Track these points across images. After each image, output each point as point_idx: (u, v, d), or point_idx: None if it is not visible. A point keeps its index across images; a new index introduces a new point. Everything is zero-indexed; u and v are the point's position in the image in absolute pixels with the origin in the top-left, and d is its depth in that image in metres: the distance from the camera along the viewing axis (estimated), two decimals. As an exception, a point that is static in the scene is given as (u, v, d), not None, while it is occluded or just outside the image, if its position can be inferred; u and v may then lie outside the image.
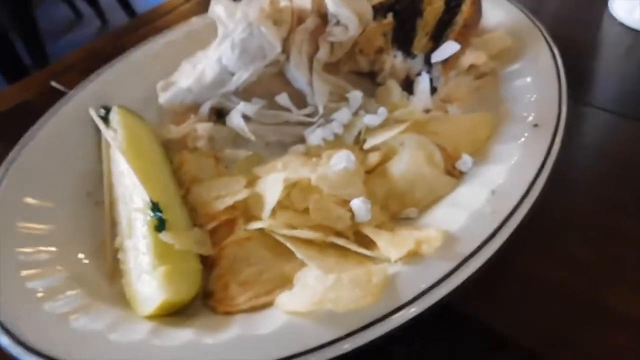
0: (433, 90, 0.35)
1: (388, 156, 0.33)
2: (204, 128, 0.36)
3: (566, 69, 0.36)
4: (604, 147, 0.37)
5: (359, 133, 0.35)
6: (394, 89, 0.36)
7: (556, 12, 0.52)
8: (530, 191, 0.29)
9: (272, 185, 0.31)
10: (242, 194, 0.32)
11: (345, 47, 0.36)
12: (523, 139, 0.32)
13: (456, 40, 0.35)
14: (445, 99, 0.36)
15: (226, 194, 0.32)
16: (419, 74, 0.36)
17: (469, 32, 0.36)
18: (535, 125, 0.32)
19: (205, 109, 0.37)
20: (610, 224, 0.31)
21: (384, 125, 0.34)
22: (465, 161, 0.32)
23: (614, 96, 0.41)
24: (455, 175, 0.32)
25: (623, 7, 0.48)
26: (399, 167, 0.32)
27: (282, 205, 0.31)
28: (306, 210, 0.31)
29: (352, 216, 0.30)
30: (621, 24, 0.48)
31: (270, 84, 0.37)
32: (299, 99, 0.37)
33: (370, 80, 0.38)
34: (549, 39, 0.38)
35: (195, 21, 0.47)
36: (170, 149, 0.37)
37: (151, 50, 0.44)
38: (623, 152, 0.36)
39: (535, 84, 0.35)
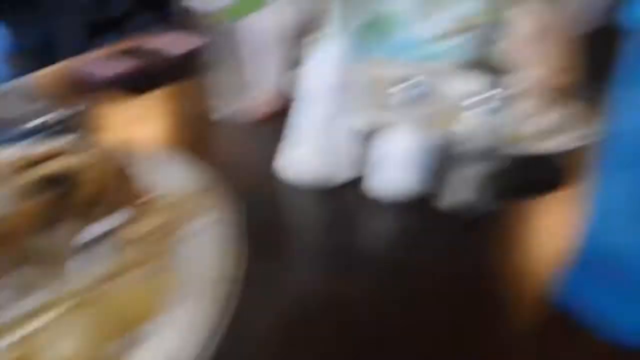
0: (94, 267, 0.35)
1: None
2: None
3: (249, 225, 0.40)
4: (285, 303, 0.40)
5: None
6: (50, 272, 0.34)
7: (242, 168, 0.59)
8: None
9: None
10: None
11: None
12: (191, 307, 0.33)
13: (110, 212, 0.36)
14: (117, 271, 0.36)
15: None
16: (74, 254, 0.35)
17: (122, 204, 0.38)
18: (205, 288, 0.34)
19: None
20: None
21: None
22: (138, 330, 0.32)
23: (294, 248, 0.46)
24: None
25: (288, 162, 0.56)
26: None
27: None
28: None
29: None
30: (291, 177, 0.56)
31: None
32: None
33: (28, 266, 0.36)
34: (225, 200, 0.42)
35: None
36: None
37: None
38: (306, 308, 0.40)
39: (207, 246, 0.38)
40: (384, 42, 0.78)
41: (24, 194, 0.36)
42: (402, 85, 0.50)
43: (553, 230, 0.48)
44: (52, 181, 0.38)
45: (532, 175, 0.56)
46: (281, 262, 0.44)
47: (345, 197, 0.54)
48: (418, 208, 0.52)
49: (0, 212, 0.34)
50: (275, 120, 0.70)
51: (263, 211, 0.50)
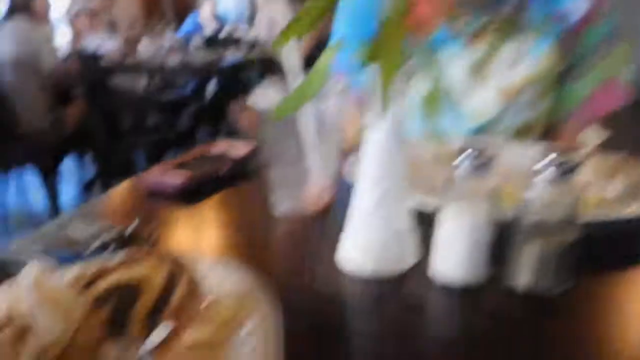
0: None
1: None
2: None
3: (308, 324, 0.38)
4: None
5: None
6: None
7: (295, 270, 0.58)
8: None
9: None
10: None
11: (57, 346, 0.35)
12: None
13: (170, 320, 0.35)
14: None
15: None
16: (139, 361, 0.35)
17: (185, 311, 0.37)
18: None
19: None
20: None
21: None
22: None
23: (353, 347, 0.43)
24: None
25: (347, 255, 0.55)
26: None
27: None
28: None
29: None
30: (350, 272, 0.54)
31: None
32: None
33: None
34: (274, 304, 0.41)
35: None
36: None
37: None
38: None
39: (257, 353, 0.36)
40: (437, 118, 0.78)
41: (91, 306, 0.36)
42: (462, 160, 0.49)
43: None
44: (117, 291, 0.39)
45: (612, 244, 0.51)
46: None
47: (410, 284, 0.51)
48: (490, 291, 0.48)
49: (70, 325, 0.35)
50: (334, 211, 0.70)
51: (326, 307, 0.48)
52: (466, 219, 0.47)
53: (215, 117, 3.29)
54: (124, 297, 0.38)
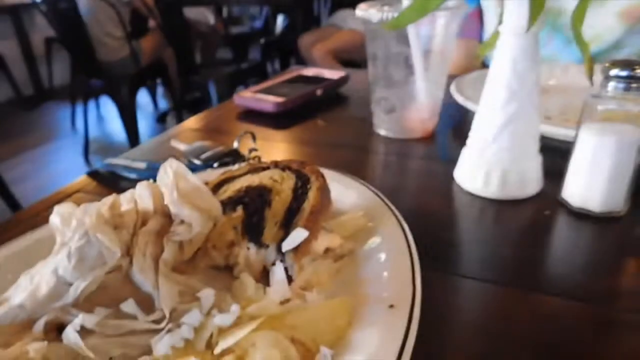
0: (289, 279, 0.34)
1: (242, 359, 0.30)
2: (36, 349, 0.32)
3: (424, 240, 0.37)
4: (471, 317, 0.36)
5: (212, 335, 0.32)
6: (248, 283, 0.34)
7: (408, 186, 0.56)
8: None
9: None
10: None
11: (195, 244, 0.35)
12: (381, 323, 0.31)
13: (305, 227, 0.35)
14: (305, 286, 0.35)
15: None
16: (273, 264, 0.35)
17: (317, 218, 0.36)
18: (391, 306, 0.31)
19: (39, 326, 0.33)
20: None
21: (239, 323, 0.32)
22: (324, 355, 0.30)
23: (473, 262, 0.42)
24: (315, 372, 0.29)
25: (465, 178, 0.52)
26: (251, 371, 0.29)
27: None
28: None
29: None
30: (467, 193, 0.51)
31: (117, 290, 0.34)
32: (151, 304, 0.34)
33: (229, 274, 0.36)
34: (399, 217, 0.39)
35: (42, 231, 0.45)
36: (-3, 380, 0.32)
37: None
38: (491, 318, 0.36)
39: (389, 262, 0.35)
40: (559, 40, 0.72)
41: (225, 208, 0.36)
42: (605, 80, 0.44)
43: None
44: (247, 196, 0.38)
45: None
46: (462, 277, 0.39)
47: (537, 209, 0.48)
48: (627, 222, 0.44)
49: (208, 222, 0.35)
50: (439, 136, 0.67)
51: (440, 227, 0.46)
52: (609, 140, 0.43)
53: (285, 51, 3.25)
54: (255, 201, 0.38)
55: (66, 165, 2.93)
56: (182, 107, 3.12)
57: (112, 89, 2.86)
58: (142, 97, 3.50)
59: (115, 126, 3.25)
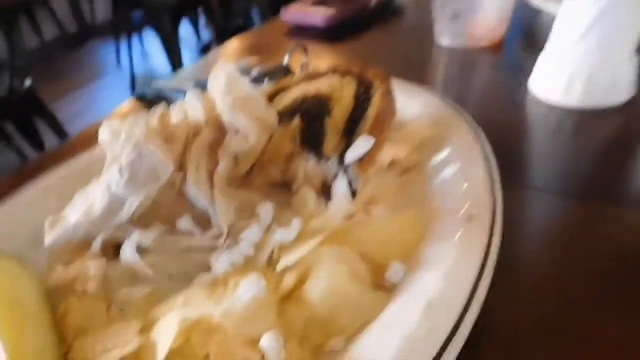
0: (353, 193, 0.31)
1: (306, 277, 0.28)
2: (96, 267, 0.31)
3: (496, 153, 0.33)
4: (549, 232, 0.33)
5: (273, 252, 0.30)
6: (309, 197, 0.31)
7: (477, 98, 0.51)
8: (473, 300, 0.24)
9: (165, 330, 0.26)
10: (132, 345, 0.26)
11: (251, 157, 0.33)
12: (458, 237, 0.28)
13: (369, 135, 0.31)
14: (369, 201, 0.32)
15: (114, 346, 0.26)
16: (335, 178, 0.32)
17: (383, 126, 0.33)
18: (470, 219, 0.28)
19: (97, 244, 0.32)
20: (568, 325, 0.26)
21: (301, 239, 0.29)
22: (395, 271, 0.27)
23: (551, 176, 0.37)
24: (386, 289, 0.27)
25: (542, 87, 0.47)
26: (317, 289, 0.27)
27: (179, 353, 0.25)
28: (208, 357, 0.25)
29: (264, 357, 0.24)
30: (543, 103, 0.46)
31: (171, 208, 0.33)
32: (206, 221, 0.32)
33: (288, 190, 0.34)
34: (474, 125, 0.35)
35: (95, 151, 0.43)
36: (58, 295, 0.31)
37: (43, 184, 0.40)
38: (569, 235, 0.32)
39: (464, 173, 0.31)
40: None
41: (281, 119, 0.33)
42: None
43: None
44: (305, 105, 0.35)
45: None
46: (538, 191, 0.36)
47: (625, 121, 0.42)
48: None
49: (264, 133, 0.32)
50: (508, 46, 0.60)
51: (513, 138, 0.42)
52: None
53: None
54: (313, 110, 0.34)
55: (115, 102, 2.97)
56: (226, 36, 3.06)
57: (155, 19, 2.83)
58: (185, 29, 3.45)
59: (160, 61, 3.24)
